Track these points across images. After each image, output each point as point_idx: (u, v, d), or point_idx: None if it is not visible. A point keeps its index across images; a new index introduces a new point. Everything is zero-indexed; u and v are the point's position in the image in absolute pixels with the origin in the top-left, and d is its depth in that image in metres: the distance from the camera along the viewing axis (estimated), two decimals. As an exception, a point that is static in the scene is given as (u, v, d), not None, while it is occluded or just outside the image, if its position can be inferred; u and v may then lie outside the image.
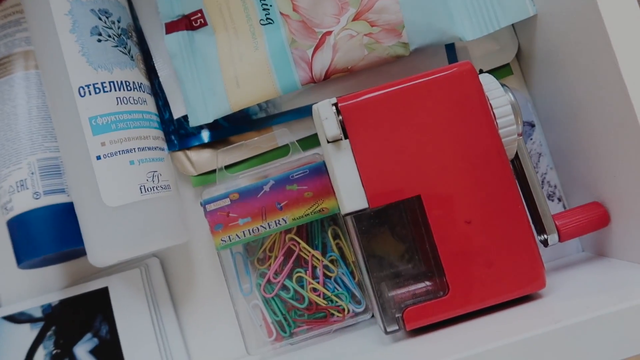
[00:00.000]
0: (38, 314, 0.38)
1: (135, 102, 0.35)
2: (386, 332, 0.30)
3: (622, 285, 0.29)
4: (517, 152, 0.33)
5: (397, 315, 0.30)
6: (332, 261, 0.37)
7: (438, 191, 0.29)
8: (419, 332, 0.30)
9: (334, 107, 0.30)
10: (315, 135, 0.39)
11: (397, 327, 0.30)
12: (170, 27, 0.37)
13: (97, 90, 0.34)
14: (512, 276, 0.29)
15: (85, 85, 0.33)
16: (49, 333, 0.38)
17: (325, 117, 0.29)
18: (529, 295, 0.31)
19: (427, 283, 0.31)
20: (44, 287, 0.40)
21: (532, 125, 0.39)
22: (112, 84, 0.34)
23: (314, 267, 0.37)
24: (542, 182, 0.39)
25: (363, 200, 0.30)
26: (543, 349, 0.25)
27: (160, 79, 0.38)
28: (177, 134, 0.39)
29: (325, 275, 0.37)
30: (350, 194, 0.30)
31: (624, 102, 0.27)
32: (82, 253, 0.37)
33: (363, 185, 0.30)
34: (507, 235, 0.29)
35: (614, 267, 0.32)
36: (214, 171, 0.39)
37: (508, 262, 0.29)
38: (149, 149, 0.35)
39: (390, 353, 0.29)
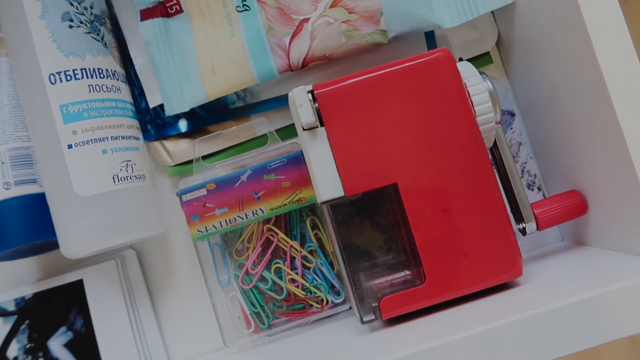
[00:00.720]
0: (11, 307, 0.38)
1: (109, 90, 0.34)
2: (362, 322, 0.29)
3: (597, 272, 0.28)
4: (495, 141, 0.33)
5: (373, 305, 0.29)
6: (310, 252, 0.36)
7: (415, 179, 0.29)
8: (396, 321, 0.30)
9: (309, 94, 0.29)
10: (294, 124, 0.39)
11: (373, 317, 0.29)
12: (146, 14, 0.37)
13: (69, 78, 0.33)
14: (489, 265, 0.29)
15: (56, 73, 0.33)
16: (23, 327, 0.37)
17: (300, 103, 0.29)
18: (506, 284, 0.30)
19: (405, 272, 0.31)
20: (17, 280, 0.39)
21: (512, 115, 0.39)
22: (84, 71, 0.33)
23: (293, 258, 0.36)
24: (522, 171, 0.39)
25: (339, 189, 0.29)
26: (518, 336, 0.25)
27: (136, 67, 0.38)
28: (154, 123, 0.39)
29: (304, 266, 0.36)
30: (326, 182, 0.29)
31: (600, 91, 0.27)
32: (55, 245, 0.36)
33: (339, 173, 0.29)
34: (484, 224, 0.29)
35: (592, 255, 0.32)
36: (191, 161, 0.39)
37: (485, 251, 0.29)
38: (123, 138, 0.34)
39: (366, 343, 0.29)
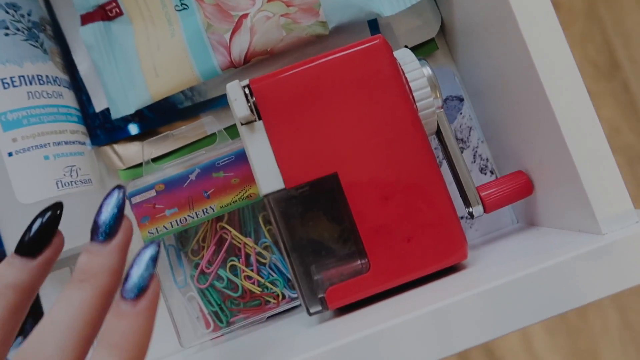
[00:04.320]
0: (-33, 321, 0.37)
1: (49, 96, 0.34)
2: (310, 314, 0.29)
3: (541, 250, 0.29)
4: (439, 126, 0.33)
5: (320, 296, 0.29)
6: (265, 248, 0.36)
7: (354, 168, 0.29)
8: (347, 311, 0.30)
9: (246, 89, 0.29)
10: (244, 121, 0.39)
11: (320, 308, 0.29)
12: (86, 19, 0.36)
13: (6, 85, 0.32)
14: (433, 249, 0.29)
15: (-7, 81, 0.32)
16: (-20, 340, 0.37)
17: (235, 98, 0.29)
18: (453, 267, 0.30)
19: (353, 262, 0.31)
20: (-28, 293, 0.39)
21: (461, 100, 0.39)
22: (22, 78, 0.33)
23: (248, 255, 0.36)
24: (474, 155, 0.39)
25: (279, 181, 0.29)
26: (465, 314, 0.25)
27: (80, 73, 0.37)
28: (103, 127, 0.38)
29: (259, 262, 0.36)
30: (266, 176, 0.29)
31: (530, 72, 0.27)
32: (3, 255, 0.36)
33: (278, 166, 0.29)
34: (426, 209, 0.29)
35: (540, 234, 0.32)
36: (142, 164, 0.38)
37: (428, 236, 0.29)
38: (67, 143, 0.34)
39: (313, 334, 0.29)
